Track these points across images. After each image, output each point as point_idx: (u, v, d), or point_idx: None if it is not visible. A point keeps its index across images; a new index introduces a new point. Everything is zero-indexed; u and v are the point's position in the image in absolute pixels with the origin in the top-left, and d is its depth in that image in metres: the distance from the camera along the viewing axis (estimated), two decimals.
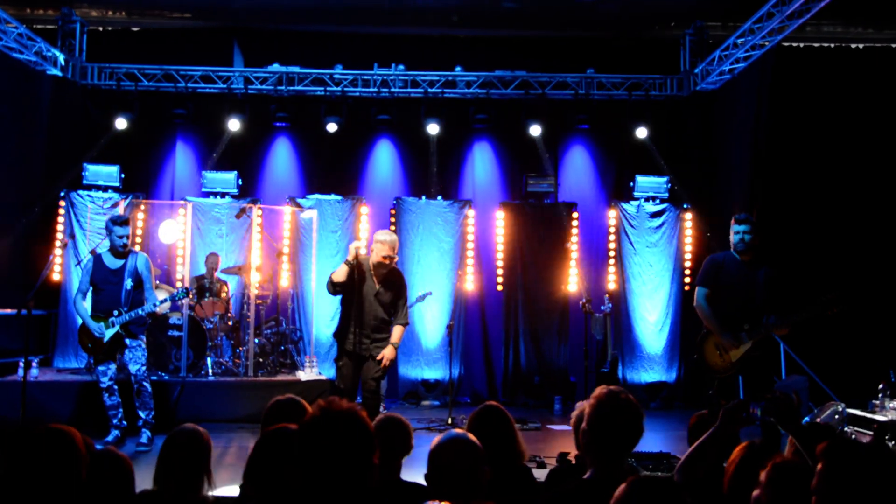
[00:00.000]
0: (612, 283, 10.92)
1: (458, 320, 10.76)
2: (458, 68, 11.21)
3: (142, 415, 7.31)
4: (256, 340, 9.58)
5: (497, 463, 3.26)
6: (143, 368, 7.31)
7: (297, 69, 11.13)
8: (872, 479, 2.22)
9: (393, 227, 10.92)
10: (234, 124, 10.91)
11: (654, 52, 11.55)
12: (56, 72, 10.54)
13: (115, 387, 7.33)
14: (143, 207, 10.80)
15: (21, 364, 7.53)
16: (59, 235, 10.38)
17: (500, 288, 11.00)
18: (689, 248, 10.90)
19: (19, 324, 8.46)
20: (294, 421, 2.77)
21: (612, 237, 11.02)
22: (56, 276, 10.30)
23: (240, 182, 10.82)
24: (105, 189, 10.56)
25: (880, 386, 7.87)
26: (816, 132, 10.63)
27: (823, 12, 8.69)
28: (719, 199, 10.94)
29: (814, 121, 10.65)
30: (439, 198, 11.08)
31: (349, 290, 6.51)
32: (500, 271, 11.00)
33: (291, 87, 11.12)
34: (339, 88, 11.13)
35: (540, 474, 3.93)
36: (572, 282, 10.62)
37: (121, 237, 7.21)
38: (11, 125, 10.25)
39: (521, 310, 10.86)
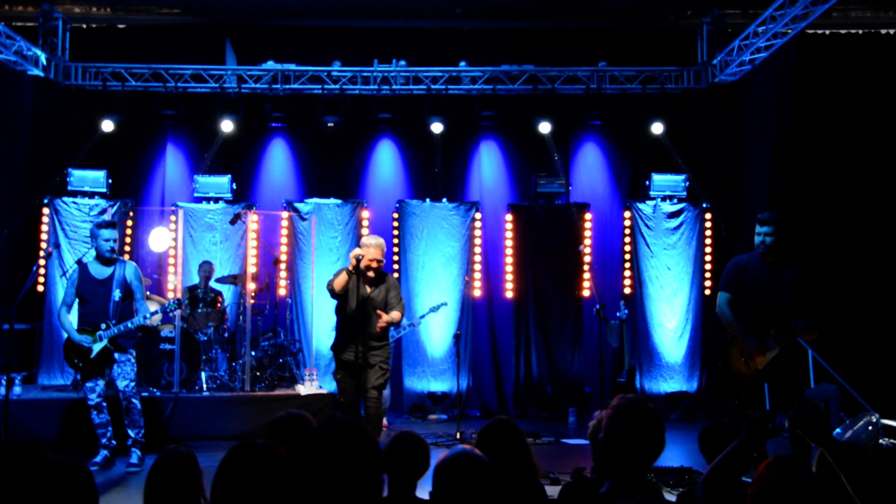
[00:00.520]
0: (627, 288, 10.89)
1: (466, 329, 10.74)
2: (462, 63, 11.20)
3: (131, 434, 7.28)
4: (253, 353, 9.56)
5: (508, 480, 3.24)
6: (133, 384, 7.28)
7: (292, 66, 11.13)
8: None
9: (396, 232, 10.95)
10: (227, 125, 10.91)
11: (669, 42, 11.51)
12: (38, 72, 10.54)
13: (104, 404, 7.31)
14: (131, 214, 10.81)
15: (3, 381, 7.50)
16: (43, 245, 10.39)
17: (509, 294, 10.98)
18: (709, 249, 10.87)
19: (1, 339, 8.45)
20: (299, 438, 2.76)
21: (627, 239, 10.99)
22: (40, 288, 10.31)
23: (234, 186, 10.83)
24: (91, 195, 10.57)
25: None
26: (843, 125, 10.57)
27: None
28: (741, 197, 10.91)
29: (841, 113, 10.58)
30: (444, 200, 11.07)
31: (345, 298, 6.77)
32: (509, 277, 10.97)
33: (287, 86, 11.12)
34: (337, 86, 11.13)
35: (554, 492, 3.89)
36: (586, 287, 10.58)
37: (107, 241, 7.17)
38: None
39: (532, 317, 10.83)
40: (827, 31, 11.14)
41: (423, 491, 3.39)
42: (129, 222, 10.80)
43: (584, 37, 11.61)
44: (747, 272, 6.21)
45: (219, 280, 10.22)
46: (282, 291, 10.59)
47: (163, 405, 8.59)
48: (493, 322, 11.19)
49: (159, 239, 10.62)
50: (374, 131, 11.50)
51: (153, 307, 7.67)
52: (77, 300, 7.26)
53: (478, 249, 10.99)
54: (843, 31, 11.19)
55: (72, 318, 7.30)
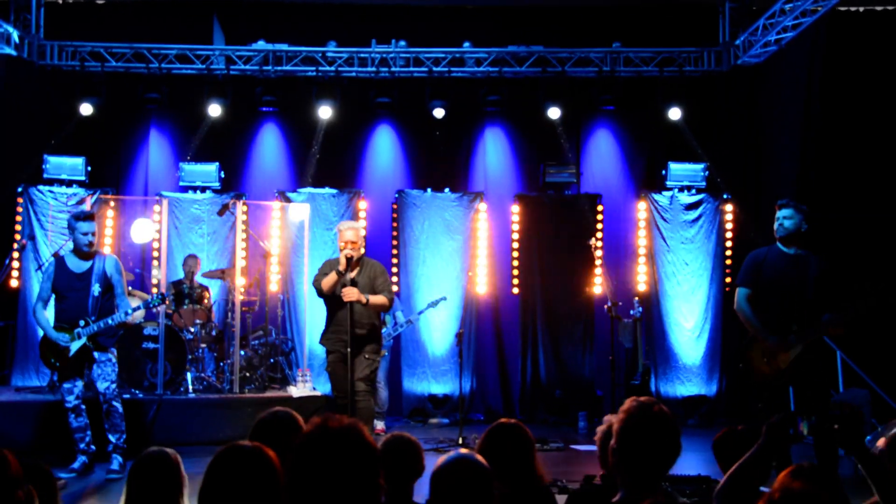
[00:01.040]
0: (642, 285, 10.88)
1: (470, 328, 10.74)
2: (466, 44, 11.17)
3: (112, 438, 7.26)
4: (242, 352, 9.55)
5: (514, 488, 3.23)
6: (114, 386, 7.26)
7: (285, 47, 11.11)
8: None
9: (395, 224, 10.95)
10: (214, 110, 10.90)
11: (688, 21, 11.46)
12: (10, 51, 10.50)
13: (83, 406, 7.28)
14: (112, 204, 10.80)
15: None
16: (17, 237, 10.37)
17: (515, 291, 10.98)
18: (729, 244, 10.86)
19: None
20: (287, 439, 2.76)
21: (641, 232, 10.98)
22: (14, 283, 10.31)
23: (222, 175, 10.82)
24: (69, 183, 10.58)
25: None
26: (879, 111, 10.47)
27: None
28: (764, 188, 10.86)
29: (875, 96, 10.47)
30: (447, 190, 11.06)
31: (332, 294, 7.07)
32: (515, 272, 10.97)
33: (279, 68, 11.11)
34: (332, 68, 11.11)
35: (562, 501, 3.88)
36: (597, 283, 10.57)
37: (85, 234, 7.15)
38: None
39: (540, 315, 10.84)
40: (861, 8, 10.96)
41: (421, 497, 3.39)
42: (111, 213, 10.78)
43: (597, 15, 11.58)
44: (766, 265, 6.17)
45: (206, 274, 10.22)
46: (273, 287, 10.57)
47: (146, 408, 8.58)
48: (499, 320, 11.19)
49: (142, 231, 10.59)
50: (371, 117, 11.49)
51: (135, 303, 7.67)
52: (54, 295, 7.23)
53: (482, 243, 10.98)
54: (879, 8, 11.00)
55: (48, 315, 7.28)
